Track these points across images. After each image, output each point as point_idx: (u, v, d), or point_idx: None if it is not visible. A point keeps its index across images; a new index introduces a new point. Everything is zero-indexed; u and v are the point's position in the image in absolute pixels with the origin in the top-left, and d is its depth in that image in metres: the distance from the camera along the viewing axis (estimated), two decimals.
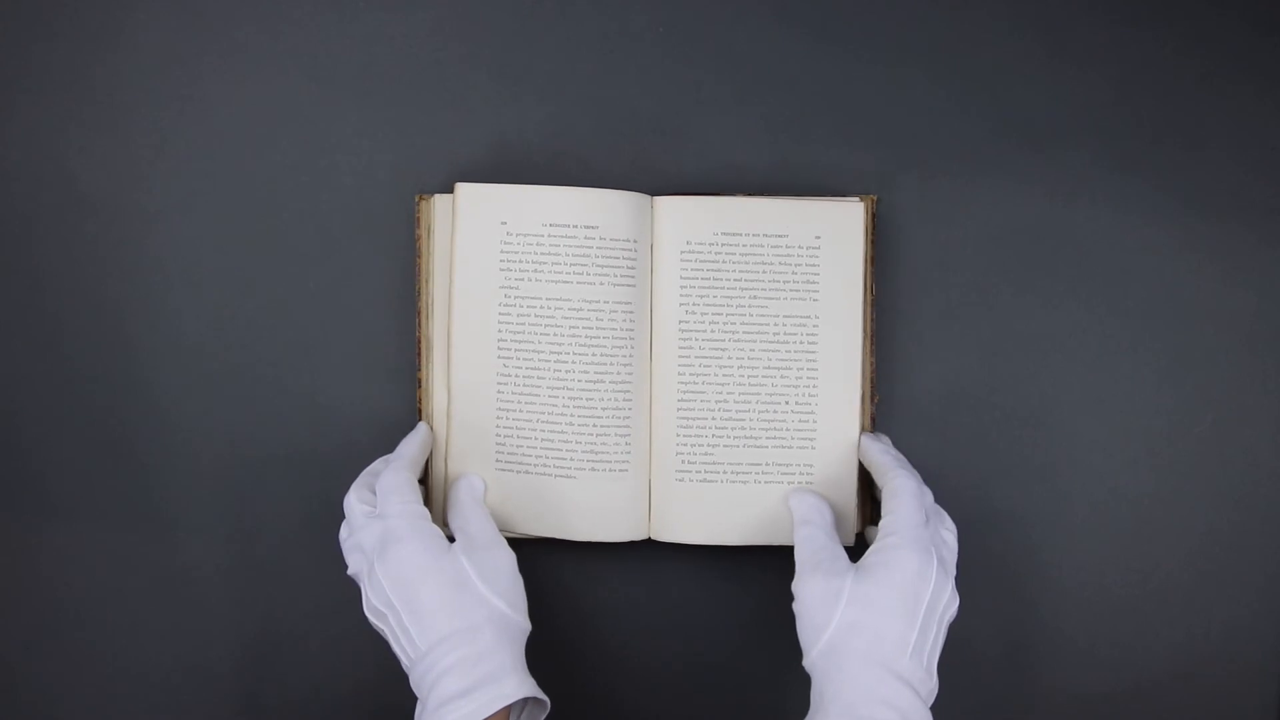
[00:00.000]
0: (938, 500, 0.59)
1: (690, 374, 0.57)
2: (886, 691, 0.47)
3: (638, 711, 0.61)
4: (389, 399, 0.59)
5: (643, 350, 0.57)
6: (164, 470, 0.59)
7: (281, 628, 0.60)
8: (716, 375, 0.57)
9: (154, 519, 0.59)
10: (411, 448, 0.55)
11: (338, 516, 0.59)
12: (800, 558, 0.52)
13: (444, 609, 0.49)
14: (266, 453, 0.59)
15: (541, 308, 0.56)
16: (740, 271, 0.57)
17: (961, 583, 0.60)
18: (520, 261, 0.56)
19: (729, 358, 0.57)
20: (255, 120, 0.59)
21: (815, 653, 0.49)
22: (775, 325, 0.57)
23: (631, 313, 0.56)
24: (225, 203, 0.59)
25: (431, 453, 0.57)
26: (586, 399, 0.56)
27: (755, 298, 0.57)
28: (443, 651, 0.48)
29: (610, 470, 0.56)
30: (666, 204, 0.57)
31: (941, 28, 0.60)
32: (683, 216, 0.57)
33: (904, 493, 0.52)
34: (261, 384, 0.59)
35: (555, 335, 0.56)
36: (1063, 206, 0.60)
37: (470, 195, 0.56)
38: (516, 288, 0.56)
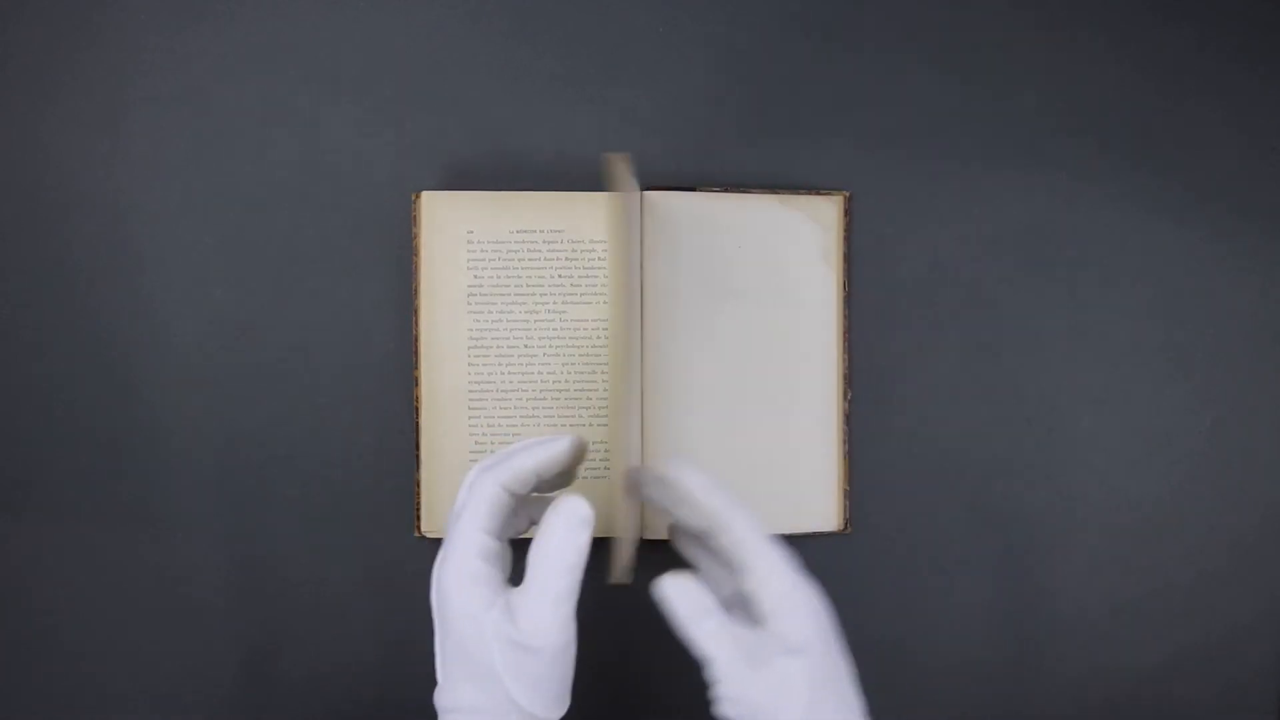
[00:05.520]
0: (943, 495, 0.59)
1: (679, 369, 0.57)
2: None
3: (633, 707, 0.60)
4: (387, 397, 0.59)
5: (621, 348, 0.57)
6: (163, 470, 0.59)
7: (281, 628, 0.59)
8: (702, 366, 0.57)
9: (153, 519, 0.59)
10: (528, 460, 0.46)
11: (335, 516, 0.59)
12: (721, 658, 0.43)
13: (464, 678, 0.44)
14: (265, 453, 0.59)
15: (512, 313, 0.57)
16: (721, 266, 0.57)
17: (962, 582, 0.61)
18: (489, 268, 0.57)
19: (713, 347, 0.57)
20: (255, 120, 0.59)
21: None
22: (755, 317, 0.58)
23: (604, 314, 0.57)
24: (224, 202, 0.59)
25: (418, 460, 0.57)
26: (558, 402, 0.57)
27: (737, 291, 0.58)
28: (460, 716, 0.44)
29: (588, 478, 0.57)
30: (651, 198, 0.57)
31: (941, 26, 0.60)
32: (665, 211, 0.57)
33: (754, 536, 0.45)
34: (260, 383, 0.59)
35: (526, 339, 0.57)
36: (1063, 206, 0.61)
37: (435, 204, 0.57)
38: (486, 294, 0.57)
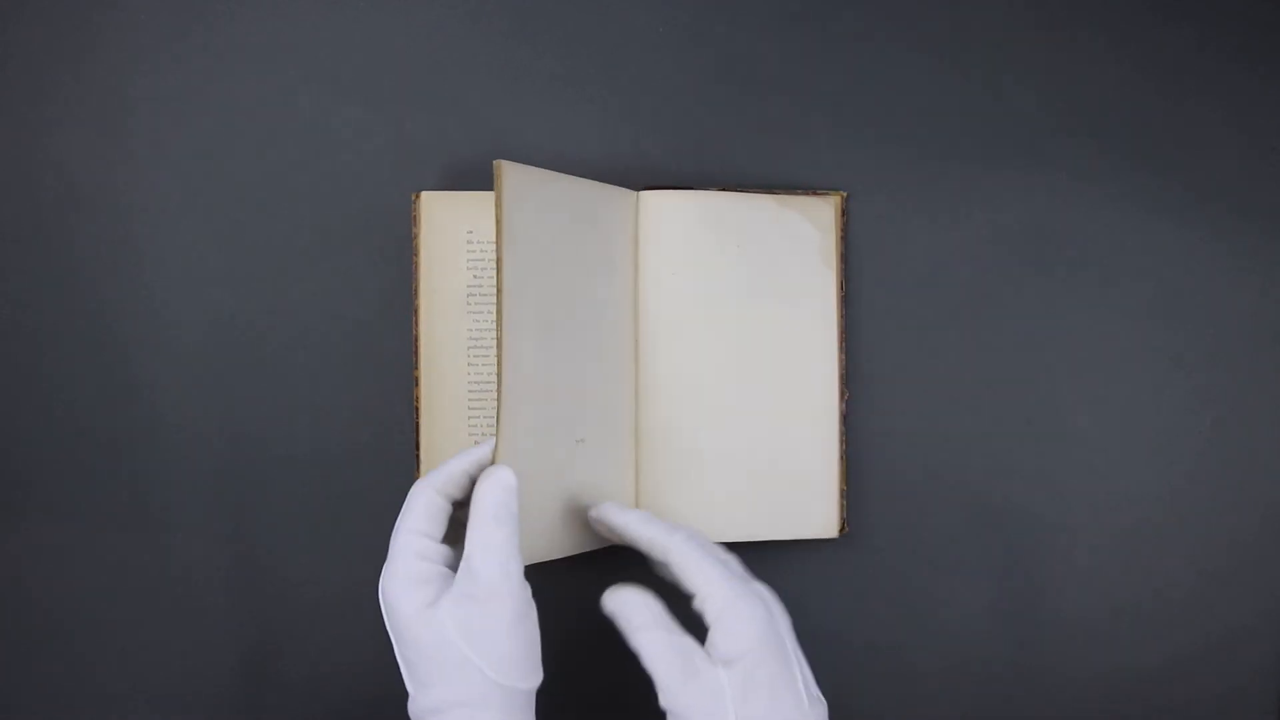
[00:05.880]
0: (942, 497, 0.59)
1: (675, 370, 0.57)
2: None
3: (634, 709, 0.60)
4: (387, 397, 0.59)
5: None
6: (163, 471, 0.59)
7: (281, 628, 0.59)
8: (698, 370, 0.57)
9: (153, 520, 0.59)
10: (458, 463, 0.47)
11: (335, 516, 0.59)
12: (658, 670, 0.45)
13: (435, 676, 0.44)
14: (265, 453, 0.59)
15: None
16: (718, 266, 0.57)
17: (961, 583, 0.61)
18: (488, 268, 0.57)
19: (710, 348, 0.57)
20: (255, 120, 0.59)
21: None
22: (751, 318, 0.58)
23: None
24: (224, 202, 0.59)
25: (418, 460, 0.57)
26: None
27: (733, 292, 0.57)
28: (439, 717, 0.44)
29: None
30: (649, 198, 0.57)
31: (941, 26, 0.60)
32: (663, 210, 0.57)
33: (692, 556, 0.47)
34: (260, 383, 0.59)
35: None
36: (1063, 206, 0.61)
37: (435, 204, 0.56)
38: (486, 294, 0.57)
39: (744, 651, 0.45)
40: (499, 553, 0.45)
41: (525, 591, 0.45)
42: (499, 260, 0.46)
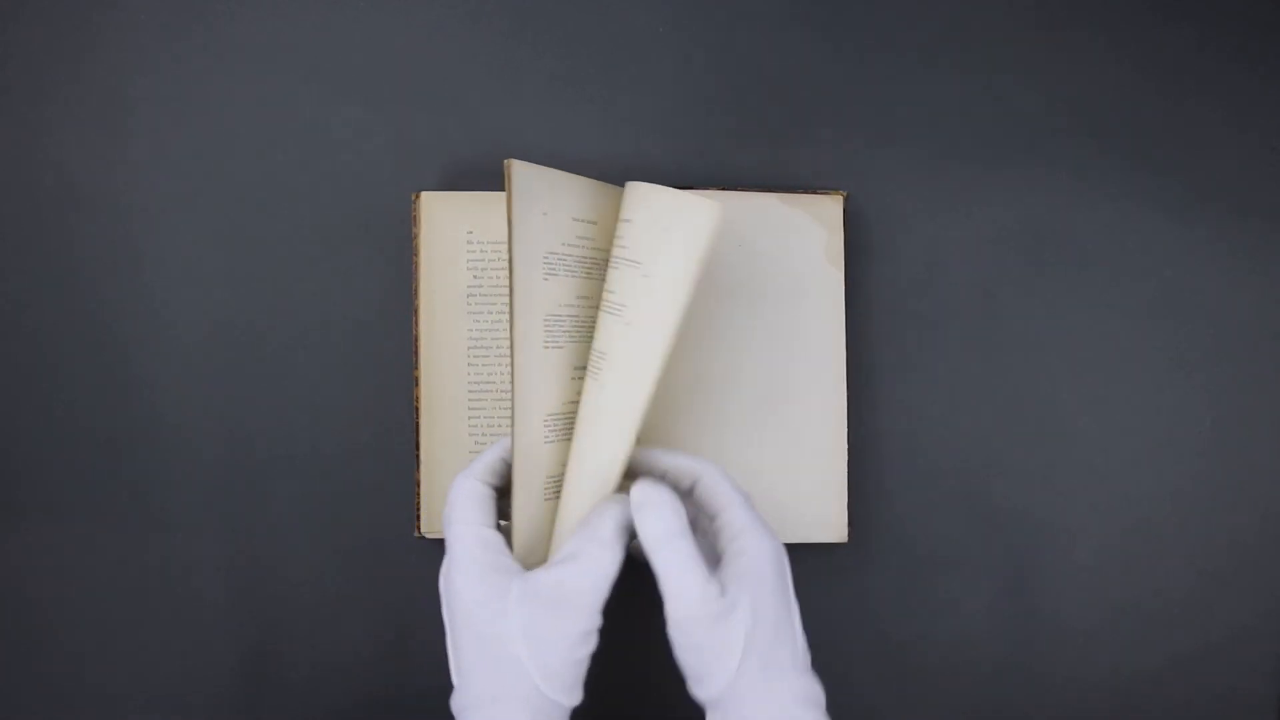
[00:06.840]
0: (942, 496, 0.59)
1: (678, 371, 0.57)
2: (800, 687, 0.46)
3: (639, 711, 0.60)
4: (387, 397, 0.59)
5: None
6: (163, 470, 0.59)
7: (281, 627, 0.59)
8: (701, 371, 0.57)
9: (153, 519, 0.59)
10: (494, 452, 0.49)
11: (335, 516, 0.59)
12: (681, 577, 0.45)
13: (480, 668, 0.44)
14: (265, 453, 0.59)
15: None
16: (719, 266, 0.57)
17: (962, 583, 0.61)
18: (488, 268, 0.57)
19: (710, 348, 0.57)
20: (255, 120, 0.59)
21: (721, 682, 0.45)
22: (754, 316, 0.58)
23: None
24: (224, 202, 0.59)
25: (418, 460, 0.57)
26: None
27: (735, 292, 0.57)
28: (477, 715, 0.45)
29: None
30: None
31: (941, 26, 0.60)
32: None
33: (722, 482, 0.48)
34: (260, 383, 0.59)
35: None
36: (1063, 206, 0.61)
37: (435, 204, 0.56)
38: (486, 295, 0.57)
39: (754, 569, 0.45)
40: (602, 572, 0.45)
41: (600, 614, 0.46)
42: (515, 266, 0.46)
